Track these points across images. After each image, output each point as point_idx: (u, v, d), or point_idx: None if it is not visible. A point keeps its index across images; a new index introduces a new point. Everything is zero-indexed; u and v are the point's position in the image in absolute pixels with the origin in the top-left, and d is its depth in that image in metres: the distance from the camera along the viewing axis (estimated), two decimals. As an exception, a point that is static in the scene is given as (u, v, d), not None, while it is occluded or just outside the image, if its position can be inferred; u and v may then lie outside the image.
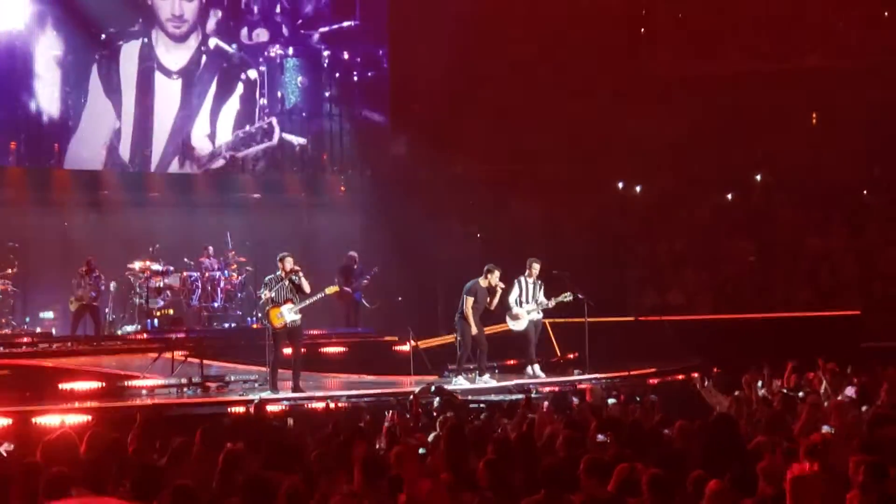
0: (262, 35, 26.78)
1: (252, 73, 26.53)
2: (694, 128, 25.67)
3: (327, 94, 27.57)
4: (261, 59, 26.76)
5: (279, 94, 27.03)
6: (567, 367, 21.07)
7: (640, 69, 27.40)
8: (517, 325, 19.40)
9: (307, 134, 27.21)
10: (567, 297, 19.21)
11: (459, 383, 18.02)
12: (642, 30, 28.74)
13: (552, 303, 19.30)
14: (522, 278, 19.41)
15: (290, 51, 27.09)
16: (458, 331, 18.79)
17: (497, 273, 18.77)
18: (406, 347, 20.85)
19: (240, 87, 26.41)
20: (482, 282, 18.70)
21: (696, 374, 18.74)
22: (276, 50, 26.88)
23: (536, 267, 19.37)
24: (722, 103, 26.39)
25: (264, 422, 13.26)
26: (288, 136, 26.90)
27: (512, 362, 20.97)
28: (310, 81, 27.30)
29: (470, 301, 18.52)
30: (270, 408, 15.08)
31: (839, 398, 14.26)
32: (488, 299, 18.79)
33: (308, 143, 27.24)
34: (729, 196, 28.84)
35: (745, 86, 26.72)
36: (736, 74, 27.26)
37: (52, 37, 24.66)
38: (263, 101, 26.71)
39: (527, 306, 19.29)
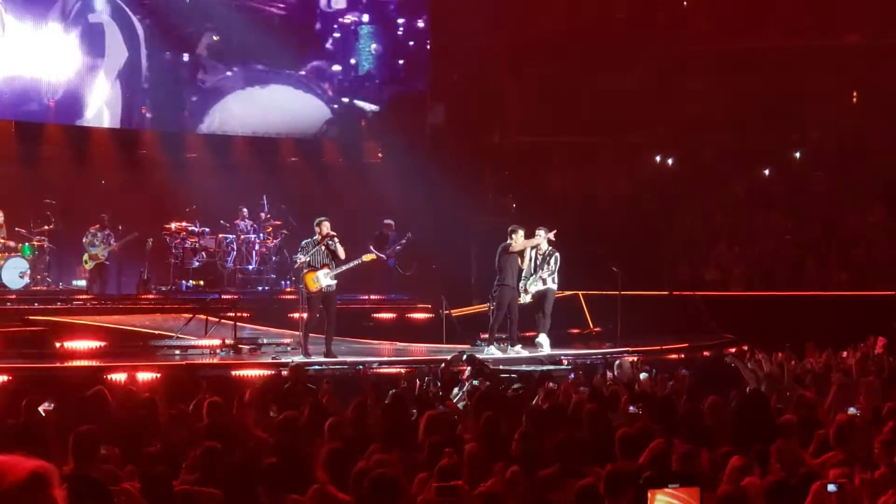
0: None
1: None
2: (733, 103, 25.49)
3: (401, 62, 27.55)
4: (335, 26, 26.82)
5: (353, 60, 27.12)
6: (599, 339, 21.05)
7: (681, 43, 27.20)
8: (523, 298, 19.04)
9: (379, 101, 27.27)
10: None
11: (491, 352, 17.99)
12: (685, 3, 28.52)
13: (548, 282, 18.87)
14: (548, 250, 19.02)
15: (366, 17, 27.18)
16: (496, 298, 18.64)
17: (521, 232, 18.56)
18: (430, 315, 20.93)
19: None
20: (514, 245, 18.48)
21: (739, 349, 18.62)
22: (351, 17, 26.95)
23: (542, 235, 18.93)
24: (762, 79, 26.21)
25: (300, 385, 13.25)
26: (360, 103, 26.97)
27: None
28: (383, 48, 27.34)
29: (516, 243, 18.34)
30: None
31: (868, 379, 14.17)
32: (520, 261, 18.60)
33: (381, 109, 27.35)
34: (766, 172, 28.68)
35: (785, 62, 26.52)
36: (777, 50, 27.06)
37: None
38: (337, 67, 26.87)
39: (529, 279, 18.91)
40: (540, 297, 18.81)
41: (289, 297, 21.49)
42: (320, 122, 26.91)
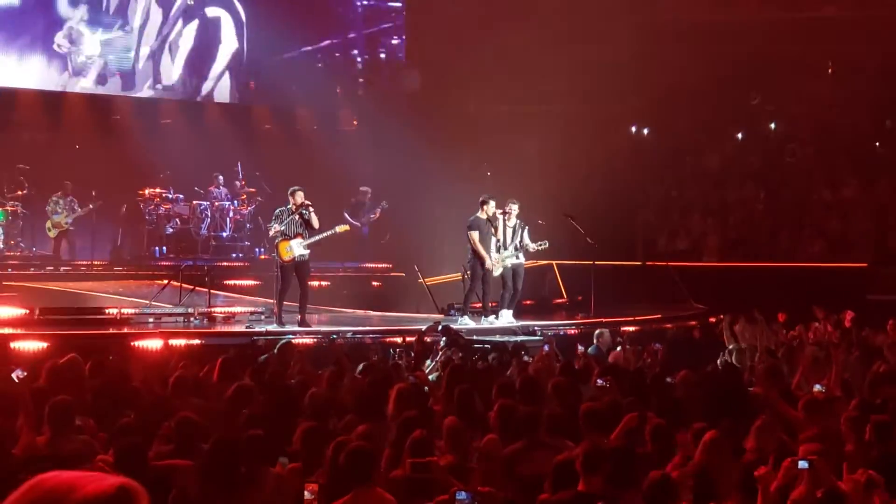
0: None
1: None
2: (708, 73, 25.50)
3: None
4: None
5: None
6: (573, 310, 21.13)
7: (657, 13, 27.20)
8: (496, 270, 18.97)
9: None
10: (543, 245, 18.82)
11: (465, 322, 18.03)
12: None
13: (532, 248, 18.83)
14: (500, 221, 18.97)
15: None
16: (469, 268, 18.68)
17: (492, 203, 18.52)
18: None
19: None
20: (480, 214, 18.49)
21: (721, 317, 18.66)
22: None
23: (514, 208, 18.89)
24: (738, 51, 26.20)
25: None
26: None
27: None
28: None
29: (475, 235, 18.34)
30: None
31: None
32: (493, 230, 18.57)
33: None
34: (740, 141, 28.76)
35: (761, 34, 26.52)
36: (752, 21, 27.06)
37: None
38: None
39: (504, 252, 18.86)
40: (511, 271, 18.77)
41: (263, 264, 21.40)
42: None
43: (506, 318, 18.53)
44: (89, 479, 2.45)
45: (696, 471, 7.18)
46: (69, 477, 2.46)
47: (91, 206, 22.52)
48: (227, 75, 26.10)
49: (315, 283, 19.76)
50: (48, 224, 22.43)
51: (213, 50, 25.93)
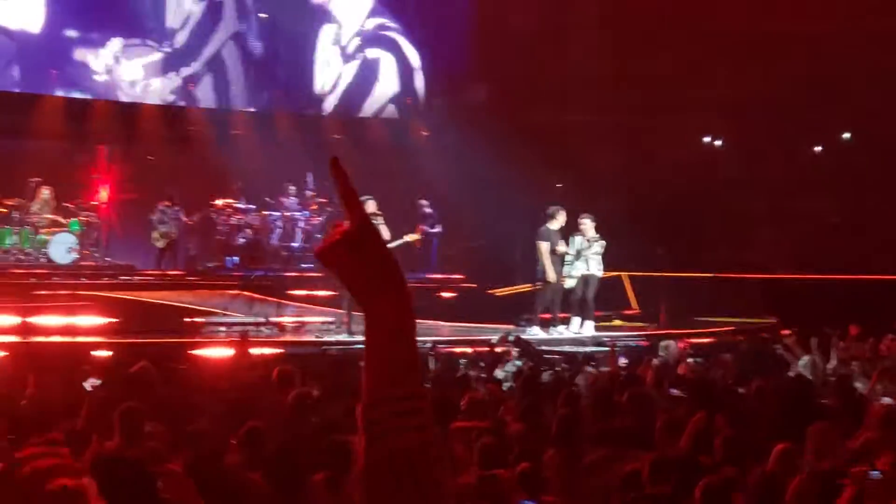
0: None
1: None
2: (780, 85, 25.20)
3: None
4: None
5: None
6: (642, 321, 21.00)
7: (731, 22, 26.89)
8: (567, 283, 19.02)
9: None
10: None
11: (534, 333, 17.99)
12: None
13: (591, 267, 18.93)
14: (577, 237, 19.05)
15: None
16: (539, 279, 18.65)
17: (562, 214, 18.54)
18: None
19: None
20: (551, 225, 18.48)
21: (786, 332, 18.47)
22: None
23: (587, 223, 18.99)
24: (815, 60, 25.82)
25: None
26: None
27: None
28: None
29: (544, 247, 18.32)
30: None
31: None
32: (563, 244, 18.57)
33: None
34: (814, 153, 28.38)
35: (840, 43, 26.10)
36: (831, 31, 26.65)
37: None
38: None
39: (575, 265, 18.90)
40: (584, 282, 18.80)
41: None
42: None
43: (588, 329, 18.58)
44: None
45: (764, 480, 7.08)
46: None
47: (195, 218, 22.85)
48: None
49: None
50: (155, 234, 22.62)
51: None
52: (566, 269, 18.61)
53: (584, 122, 26.12)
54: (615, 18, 25.88)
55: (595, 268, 18.81)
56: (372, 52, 26.96)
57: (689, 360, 14.82)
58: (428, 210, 23.62)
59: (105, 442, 7.97)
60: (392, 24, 27.04)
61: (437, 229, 23.41)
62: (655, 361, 14.70)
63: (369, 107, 27.11)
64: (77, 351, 14.78)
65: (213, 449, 7.62)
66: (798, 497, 6.82)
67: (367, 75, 26.95)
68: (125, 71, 24.59)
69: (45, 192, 22.03)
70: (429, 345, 15.88)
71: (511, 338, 15.12)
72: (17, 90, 23.69)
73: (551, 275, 18.27)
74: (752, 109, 25.54)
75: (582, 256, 18.68)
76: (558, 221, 18.47)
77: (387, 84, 27.16)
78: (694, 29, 25.82)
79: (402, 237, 17.61)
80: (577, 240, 18.84)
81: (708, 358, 15.09)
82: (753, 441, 8.45)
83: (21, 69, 23.64)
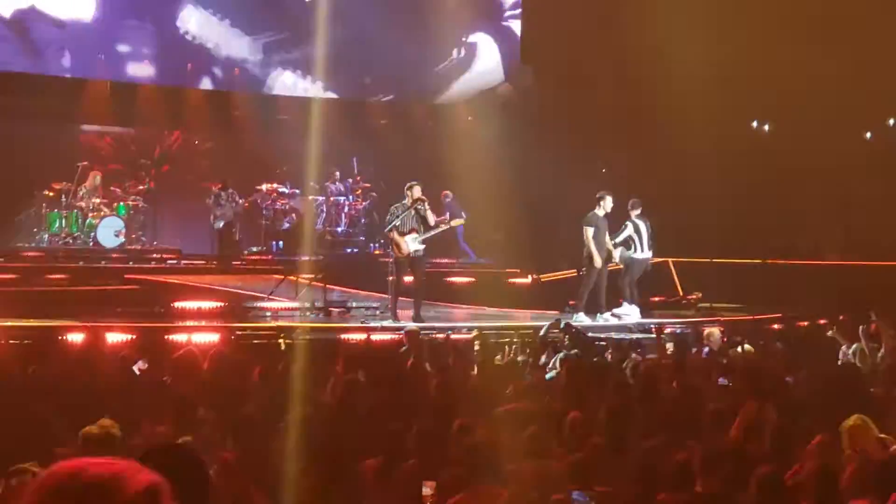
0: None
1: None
2: (836, 69, 24.86)
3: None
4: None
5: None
6: (689, 307, 20.86)
7: (782, 5, 26.56)
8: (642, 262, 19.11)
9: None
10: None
11: (580, 319, 17.90)
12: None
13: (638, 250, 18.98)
14: (633, 219, 19.04)
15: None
16: (586, 264, 18.60)
17: (609, 199, 18.49)
18: (526, 280, 20.85)
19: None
20: (597, 211, 18.44)
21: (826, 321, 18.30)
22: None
23: (637, 206, 19.05)
24: (867, 45, 25.44)
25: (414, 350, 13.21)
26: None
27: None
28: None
29: (590, 232, 18.27)
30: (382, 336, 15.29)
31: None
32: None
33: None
34: (867, 138, 28.04)
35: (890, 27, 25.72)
36: (881, 14, 26.27)
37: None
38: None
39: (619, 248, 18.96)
40: (626, 265, 18.80)
41: (378, 259, 21.50)
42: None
43: (633, 315, 18.56)
44: (128, 474, 2.43)
45: (819, 471, 6.99)
46: (105, 469, 2.44)
47: (249, 200, 22.98)
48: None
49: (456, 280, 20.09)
50: (214, 217, 22.80)
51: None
52: (616, 254, 18.61)
53: (630, 106, 25.90)
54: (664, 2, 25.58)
55: (639, 251, 18.79)
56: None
57: (738, 348, 14.70)
58: (448, 201, 23.47)
59: (156, 427, 8.01)
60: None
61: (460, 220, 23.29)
62: (703, 350, 14.64)
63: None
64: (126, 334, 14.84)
65: (261, 436, 7.62)
66: (855, 482, 6.74)
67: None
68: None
69: (93, 177, 22.16)
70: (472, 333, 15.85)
71: (561, 325, 14.99)
72: (67, 75, 23.83)
73: (597, 260, 18.20)
74: (802, 93, 25.21)
75: (634, 240, 18.70)
76: (605, 206, 18.40)
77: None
78: (748, 9, 25.55)
79: (447, 222, 17.54)
80: (635, 223, 18.84)
81: (756, 346, 14.96)
82: (802, 431, 8.37)
83: (71, 55, 23.75)
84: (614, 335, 16.61)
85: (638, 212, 18.93)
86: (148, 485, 2.41)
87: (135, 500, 2.38)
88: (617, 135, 25.64)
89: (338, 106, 26.11)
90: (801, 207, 26.22)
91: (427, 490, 6.84)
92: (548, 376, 11.79)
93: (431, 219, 17.08)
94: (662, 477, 7.05)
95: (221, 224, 22.90)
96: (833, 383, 10.78)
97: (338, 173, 24.13)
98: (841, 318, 18.18)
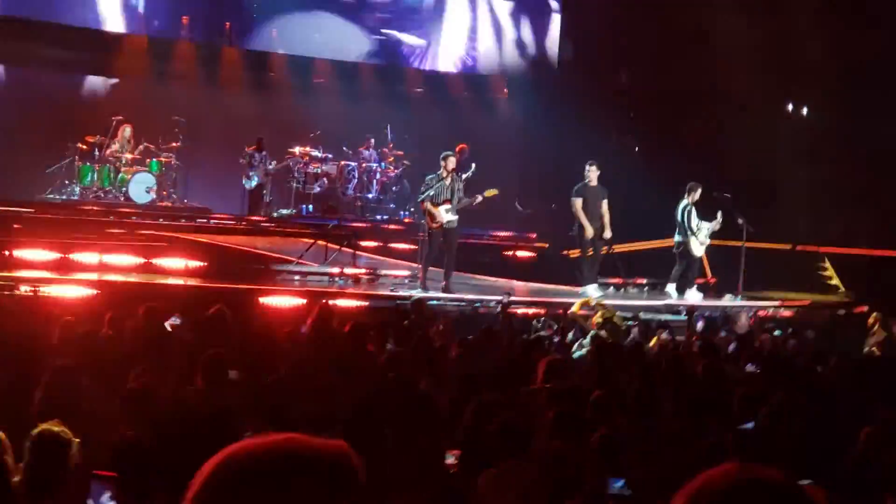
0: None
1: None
2: (874, 53, 24.56)
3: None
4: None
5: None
6: (718, 291, 20.73)
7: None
8: (699, 251, 19.24)
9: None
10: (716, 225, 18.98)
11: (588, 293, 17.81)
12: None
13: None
14: (688, 202, 19.09)
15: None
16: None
17: (593, 168, 18.65)
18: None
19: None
20: (587, 181, 18.51)
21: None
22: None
23: (698, 192, 19.11)
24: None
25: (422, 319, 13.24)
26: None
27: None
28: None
29: (577, 203, 18.37)
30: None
31: None
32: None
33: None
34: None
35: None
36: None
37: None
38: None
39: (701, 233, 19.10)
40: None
41: (408, 227, 21.50)
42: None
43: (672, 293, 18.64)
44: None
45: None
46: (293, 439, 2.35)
47: (281, 163, 23.06)
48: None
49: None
50: (249, 176, 22.88)
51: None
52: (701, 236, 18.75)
53: (666, 86, 25.70)
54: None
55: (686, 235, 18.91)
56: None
57: (768, 333, 14.63)
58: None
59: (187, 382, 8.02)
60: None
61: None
62: (732, 335, 14.57)
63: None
64: (155, 291, 14.89)
65: (290, 401, 7.61)
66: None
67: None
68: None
69: (127, 131, 22.17)
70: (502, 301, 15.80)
71: (593, 302, 14.93)
72: (105, 28, 23.90)
73: (589, 231, 18.21)
74: (842, 79, 24.93)
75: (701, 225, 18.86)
76: (589, 178, 18.52)
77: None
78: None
79: (480, 193, 17.45)
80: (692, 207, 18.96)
81: (787, 333, 14.89)
82: (832, 419, 8.33)
83: (109, 7, 23.81)
84: (642, 315, 16.52)
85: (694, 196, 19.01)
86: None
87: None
88: (652, 113, 25.44)
89: (373, 72, 26.09)
90: (832, 194, 25.99)
91: (451, 459, 6.82)
92: (576, 354, 11.75)
93: (463, 189, 17.06)
94: (692, 461, 7.01)
95: (253, 184, 22.97)
96: (861, 373, 10.73)
97: (372, 140, 24.10)
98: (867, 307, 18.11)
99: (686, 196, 18.85)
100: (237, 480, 2.20)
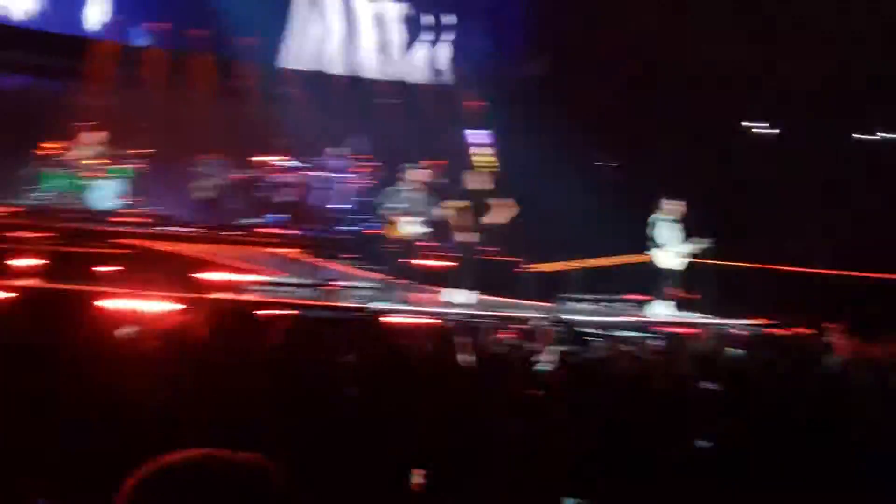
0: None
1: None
2: (838, 72, 24.77)
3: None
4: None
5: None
6: (683, 308, 20.83)
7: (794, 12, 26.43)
8: (665, 263, 19.37)
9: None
10: (704, 244, 19.18)
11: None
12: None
13: (693, 248, 19.25)
14: (662, 217, 19.33)
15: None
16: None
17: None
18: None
19: None
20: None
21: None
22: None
23: (676, 207, 19.34)
24: (864, 53, 25.31)
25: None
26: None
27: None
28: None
29: None
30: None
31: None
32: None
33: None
34: (875, 141, 27.91)
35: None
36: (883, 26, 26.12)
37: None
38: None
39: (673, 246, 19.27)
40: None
41: (375, 240, 21.48)
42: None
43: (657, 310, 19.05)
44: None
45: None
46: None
47: (239, 173, 22.97)
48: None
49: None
50: (198, 185, 22.78)
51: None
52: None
53: (640, 99, 25.81)
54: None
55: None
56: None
57: (728, 351, 14.71)
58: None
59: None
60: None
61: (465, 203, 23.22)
62: (689, 351, 14.64)
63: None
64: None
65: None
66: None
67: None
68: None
69: (91, 137, 22.08)
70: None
71: (554, 318, 14.99)
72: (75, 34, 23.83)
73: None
74: (804, 98, 25.15)
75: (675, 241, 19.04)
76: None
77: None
78: (751, 14, 25.48)
79: (447, 206, 17.52)
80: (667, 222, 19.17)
81: (747, 352, 14.96)
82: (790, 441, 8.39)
83: (76, 12, 23.73)
84: (603, 331, 16.55)
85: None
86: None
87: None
88: (627, 129, 25.53)
89: (341, 82, 26.11)
90: (796, 213, 26.17)
91: (416, 479, 6.84)
92: (539, 368, 11.75)
93: (431, 202, 17.12)
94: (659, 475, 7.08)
95: (210, 194, 22.82)
96: (820, 394, 10.79)
97: (336, 150, 24.12)
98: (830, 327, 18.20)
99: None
100: (156, 496, 2.27)
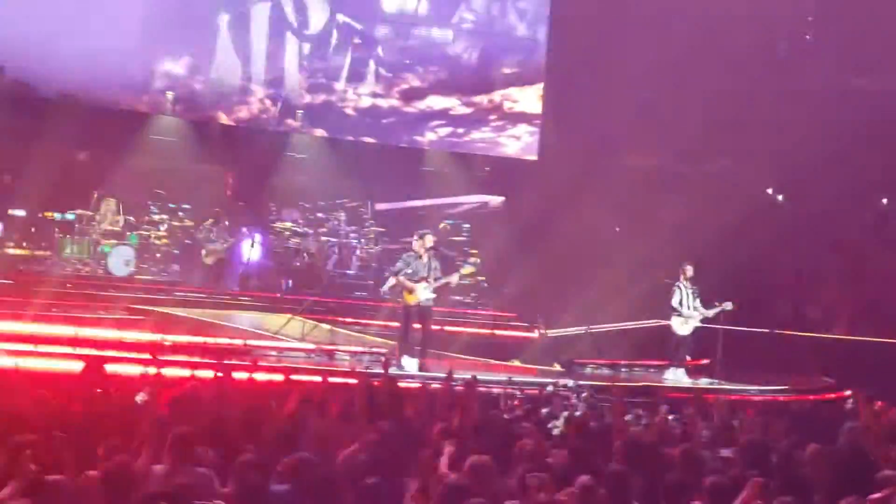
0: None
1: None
2: (852, 140, 24.75)
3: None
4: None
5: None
6: (696, 373, 20.66)
7: (800, 76, 26.54)
8: (684, 329, 19.27)
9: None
10: (728, 306, 19.08)
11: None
12: (808, 37, 27.89)
13: (711, 312, 19.19)
14: (682, 282, 19.31)
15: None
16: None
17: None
18: (534, 335, 20.78)
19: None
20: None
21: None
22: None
23: (690, 270, 19.28)
24: (882, 118, 25.30)
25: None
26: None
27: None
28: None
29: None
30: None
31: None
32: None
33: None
34: (884, 207, 27.83)
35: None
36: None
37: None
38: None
39: (690, 311, 19.22)
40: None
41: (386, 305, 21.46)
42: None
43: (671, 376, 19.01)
44: None
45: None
46: None
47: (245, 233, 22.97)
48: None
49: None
50: (204, 252, 22.68)
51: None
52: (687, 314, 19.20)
53: (646, 166, 25.84)
54: (681, 67, 25.48)
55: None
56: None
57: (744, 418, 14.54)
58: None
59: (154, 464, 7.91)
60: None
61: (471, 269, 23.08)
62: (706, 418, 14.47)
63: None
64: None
65: (259, 478, 7.52)
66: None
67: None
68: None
69: (108, 204, 22.23)
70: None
71: (570, 384, 14.88)
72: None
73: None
74: (821, 165, 25.06)
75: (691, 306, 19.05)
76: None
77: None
78: (771, 80, 25.50)
79: (457, 271, 17.49)
80: (683, 286, 19.15)
81: (765, 418, 14.78)
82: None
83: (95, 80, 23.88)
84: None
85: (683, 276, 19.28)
86: None
87: None
88: (632, 194, 25.48)
89: (351, 146, 26.07)
90: (812, 277, 26.05)
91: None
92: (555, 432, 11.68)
93: (438, 270, 17.08)
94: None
95: (212, 259, 22.73)
96: (840, 461, 10.62)
97: (343, 215, 24.24)
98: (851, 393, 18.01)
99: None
100: None
